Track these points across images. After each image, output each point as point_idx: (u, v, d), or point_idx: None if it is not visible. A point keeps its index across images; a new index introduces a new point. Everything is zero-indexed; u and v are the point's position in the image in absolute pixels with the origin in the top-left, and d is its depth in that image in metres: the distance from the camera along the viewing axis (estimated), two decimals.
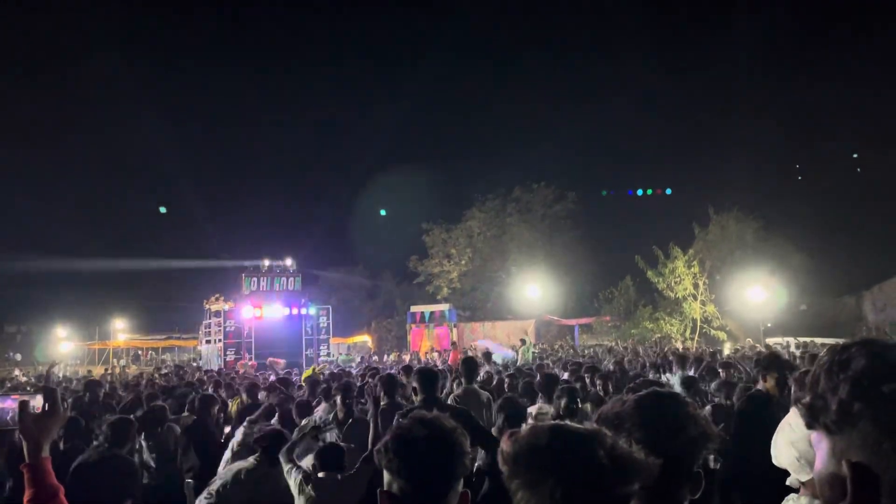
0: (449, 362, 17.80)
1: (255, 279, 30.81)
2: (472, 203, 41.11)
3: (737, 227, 31.81)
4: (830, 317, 30.90)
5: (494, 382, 8.97)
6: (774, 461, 2.25)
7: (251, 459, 4.67)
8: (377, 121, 72.37)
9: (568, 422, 1.32)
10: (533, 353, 21.76)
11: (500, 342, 25.84)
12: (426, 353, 28.98)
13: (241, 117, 69.25)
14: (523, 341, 22.29)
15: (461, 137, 65.39)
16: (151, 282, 51.28)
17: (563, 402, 5.18)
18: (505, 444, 1.27)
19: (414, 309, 35.82)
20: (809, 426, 0.96)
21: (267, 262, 31.57)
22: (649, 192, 39.59)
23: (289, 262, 32.10)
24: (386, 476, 1.68)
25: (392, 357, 30.28)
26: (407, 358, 26.80)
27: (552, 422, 1.31)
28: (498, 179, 41.63)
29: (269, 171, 68.22)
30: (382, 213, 41.65)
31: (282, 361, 24.14)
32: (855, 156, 41.77)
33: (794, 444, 2.15)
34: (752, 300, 28.95)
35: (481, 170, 57.84)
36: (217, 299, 31.09)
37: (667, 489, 1.46)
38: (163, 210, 41.69)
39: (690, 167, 47.05)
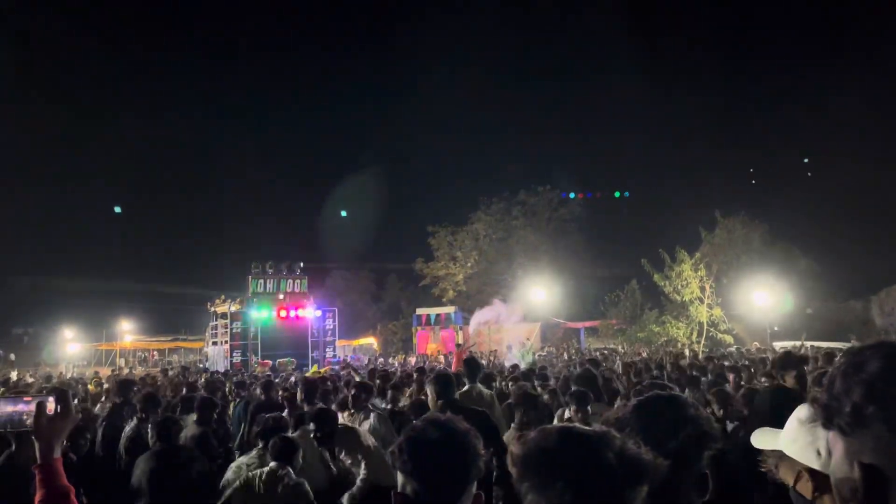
0: (452, 367, 17.59)
1: (261, 281, 30.84)
2: (478, 206, 41.16)
3: (743, 232, 31.71)
4: (837, 321, 30.76)
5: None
6: (784, 446, 2.22)
7: (253, 455, 4.72)
8: (382, 124, 72.49)
9: (577, 424, 1.32)
10: (537, 354, 21.71)
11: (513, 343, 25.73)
12: (432, 355, 28.99)
13: (250, 120, 69.40)
14: (523, 344, 22.23)
15: (466, 141, 65.34)
16: (158, 284, 51.46)
17: (573, 407, 5.16)
18: (514, 447, 1.27)
19: (419, 311, 35.81)
20: (825, 426, 0.97)
21: (273, 265, 31.60)
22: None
23: (295, 264, 32.14)
24: (400, 477, 1.67)
25: (398, 359, 30.28)
26: (412, 360, 26.81)
27: (561, 424, 1.31)
28: (503, 182, 41.72)
29: (277, 174, 68.33)
30: (343, 214, 41.69)
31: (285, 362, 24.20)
32: (805, 160, 41.70)
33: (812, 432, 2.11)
34: (759, 304, 28.85)
35: (487, 172, 57.89)
36: (223, 301, 31.14)
37: (672, 491, 1.45)
38: (117, 210, 41.54)
39: (698, 171, 46.98)
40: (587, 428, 1.30)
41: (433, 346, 32.71)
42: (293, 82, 72.88)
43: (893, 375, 0.89)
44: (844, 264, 32.98)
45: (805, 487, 2.02)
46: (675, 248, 30.93)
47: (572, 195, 40.90)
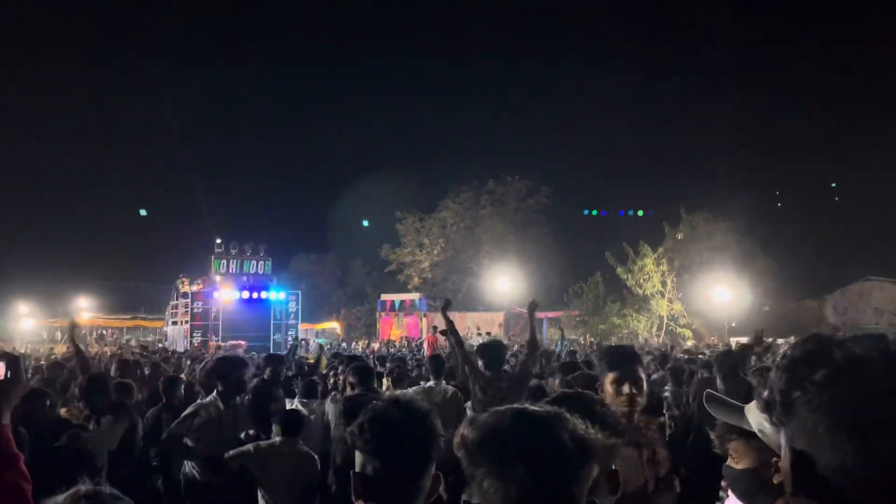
0: (426, 351, 17.67)
1: (224, 261, 30.40)
2: (447, 193, 41.14)
3: (706, 228, 32.19)
4: (792, 319, 31.48)
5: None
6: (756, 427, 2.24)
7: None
8: (353, 108, 71.87)
9: (528, 405, 1.29)
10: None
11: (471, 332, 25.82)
12: (398, 340, 28.98)
13: (217, 103, 68.24)
14: (489, 334, 22.32)
15: (438, 128, 65.22)
16: (118, 261, 50.50)
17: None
18: (466, 431, 1.23)
19: (384, 297, 35.83)
20: (771, 422, 0.99)
21: (237, 245, 31.16)
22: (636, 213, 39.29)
23: (258, 245, 31.74)
24: (359, 457, 1.66)
25: (360, 344, 30.20)
26: (376, 346, 26.75)
27: (514, 406, 1.27)
28: (473, 171, 41.72)
29: (244, 155, 67.44)
30: (365, 223, 41.35)
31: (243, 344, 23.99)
32: (833, 185, 42.14)
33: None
34: (718, 300, 29.40)
35: (457, 160, 57.79)
36: (185, 282, 30.66)
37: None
38: (143, 213, 41.03)
39: (664, 168, 47.61)
40: (539, 408, 1.27)
41: (397, 331, 32.74)
42: (266, 67, 71.98)
43: (814, 360, 0.91)
44: (802, 264, 33.77)
45: (773, 475, 2.08)
46: (638, 242, 31.40)
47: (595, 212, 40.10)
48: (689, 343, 26.02)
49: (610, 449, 1.56)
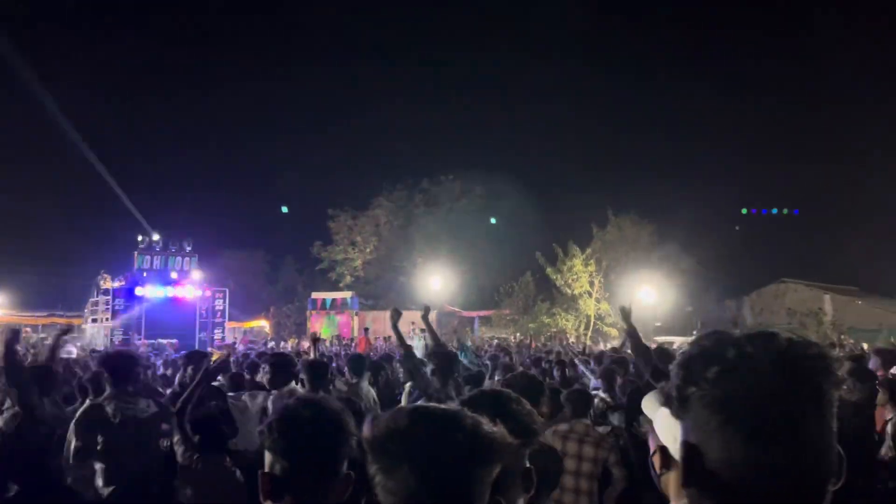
0: (359, 350, 17.54)
1: (148, 257, 29.36)
2: (380, 191, 40.93)
3: (633, 230, 33.13)
4: (713, 319, 32.73)
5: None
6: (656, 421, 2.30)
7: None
8: (285, 103, 70.75)
9: (432, 403, 1.28)
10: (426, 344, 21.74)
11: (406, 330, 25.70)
12: (329, 339, 28.60)
13: (142, 95, 65.85)
14: (422, 331, 22.20)
15: (371, 124, 64.85)
16: (32, 254, 48.10)
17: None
18: (365, 429, 1.23)
19: (315, 295, 35.37)
20: (673, 415, 1.01)
21: (161, 240, 30.13)
22: None
23: (184, 241, 30.75)
24: (268, 457, 1.65)
25: (290, 343, 29.68)
26: (306, 345, 26.31)
27: (416, 404, 1.26)
28: (407, 169, 41.69)
29: (170, 145, 65.39)
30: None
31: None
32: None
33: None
34: (644, 300, 30.28)
35: (390, 158, 57.60)
36: (105, 278, 29.46)
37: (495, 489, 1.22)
38: (284, 210, 40.56)
39: (594, 170, 48.73)
40: (441, 407, 1.26)
41: (328, 331, 32.31)
42: (191, 61, 70.05)
43: (708, 357, 0.94)
44: (723, 265, 35.19)
45: (657, 462, 2.10)
46: (568, 242, 32.07)
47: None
48: (616, 342, 26.72)
49: (521, 447, 1.56)
